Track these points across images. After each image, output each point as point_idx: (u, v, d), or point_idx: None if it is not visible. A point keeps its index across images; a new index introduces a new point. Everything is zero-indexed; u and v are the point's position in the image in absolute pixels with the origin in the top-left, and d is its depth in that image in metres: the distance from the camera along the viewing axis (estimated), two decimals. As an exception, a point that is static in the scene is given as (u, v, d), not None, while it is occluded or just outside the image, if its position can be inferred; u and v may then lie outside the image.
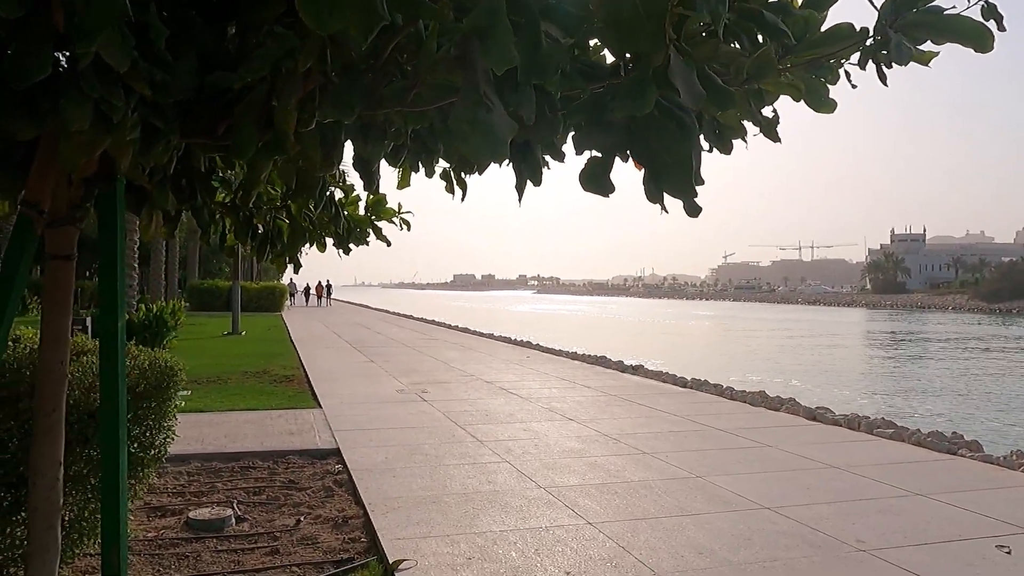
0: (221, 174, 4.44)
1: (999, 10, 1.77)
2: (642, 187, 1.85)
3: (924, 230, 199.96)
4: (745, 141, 2.74)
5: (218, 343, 24.23)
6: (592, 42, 2.42)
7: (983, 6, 1.78)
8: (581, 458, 8.39)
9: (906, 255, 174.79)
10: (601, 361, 19.77)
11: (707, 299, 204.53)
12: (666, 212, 1.91)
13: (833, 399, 20.57)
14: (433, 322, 42.77)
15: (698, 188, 1.84)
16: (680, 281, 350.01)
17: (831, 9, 2.13)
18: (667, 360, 30.42)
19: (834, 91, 2.20)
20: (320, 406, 11.77)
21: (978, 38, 1.80)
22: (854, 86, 2.15)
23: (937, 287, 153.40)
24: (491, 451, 8.69)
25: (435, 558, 5.22)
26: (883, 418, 11.88)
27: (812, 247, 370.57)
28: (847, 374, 30.46)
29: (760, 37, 2.09)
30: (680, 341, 53.32)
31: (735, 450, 8.99)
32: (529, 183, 2.09)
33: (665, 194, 1.84)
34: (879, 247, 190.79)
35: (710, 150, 2.83)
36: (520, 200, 2.04)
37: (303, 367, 17.15)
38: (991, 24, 1.79)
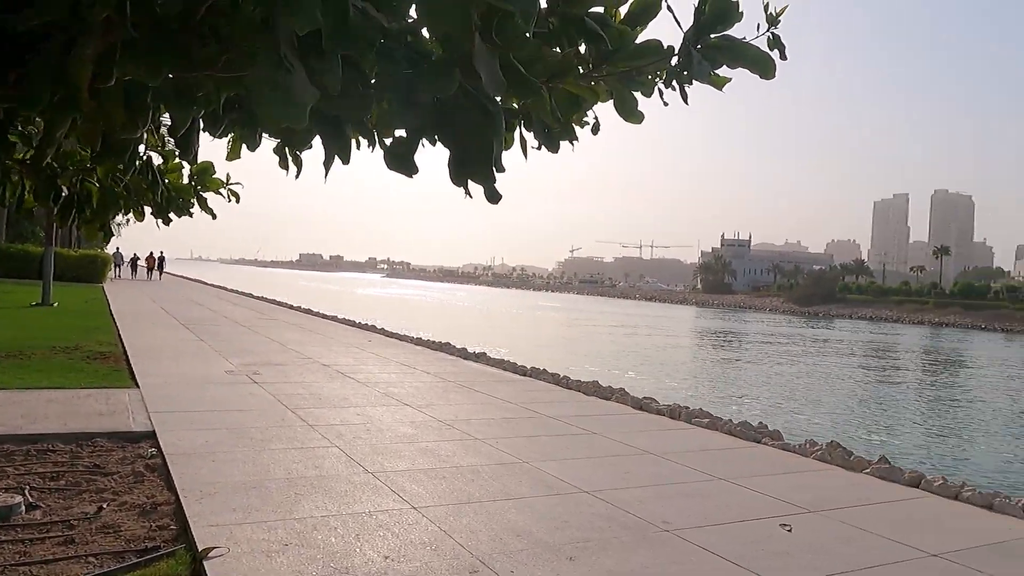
0: (22, 128, 4.02)
1: (782, 41, 1.96)
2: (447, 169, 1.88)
3: (750, 237, 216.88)
4: (572, 145, 2.85)
5: (24, 314, 21.96)
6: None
7: (769, 37, 1.96)
8: (413, 443, 8.40)
9: (733, 259, 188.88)
10: (445, 347, 19.86)
11: (553, 291, 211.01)
12: (470, 196, 1.94)
13: (661, 390, 21.91)
14: (274, 301, 41.11)
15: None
16: (528, 272, 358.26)
17: (651, 27, 2.25)
18: (510, 348, 31.09)
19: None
20: (137, 386, 10.98)
21: (763, 65, 1.98)
22: (666, 104, 2.29)
23: (758, 290, 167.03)
24: (321, 436, 8.50)
25: (249, 545, 5.04)
26: (701, 408, 12.79)
27: (652, 246, 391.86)
28: (676, 367, 32.56)
29: (583, 47, 2.17)
30: (524, 330, 54.66)
31: (564, 437, 9.35)
32: (338, 160, 2.05)
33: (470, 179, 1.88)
34: (711, 250, 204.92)
35: (539, 148, 2.91)
36: (326, 176, 2.01)
37: (122, 343, 15.92)
38: (775, 53, 1.97)
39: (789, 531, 6.04)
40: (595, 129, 2.90)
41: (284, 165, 3.40)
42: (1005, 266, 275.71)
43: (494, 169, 1.88)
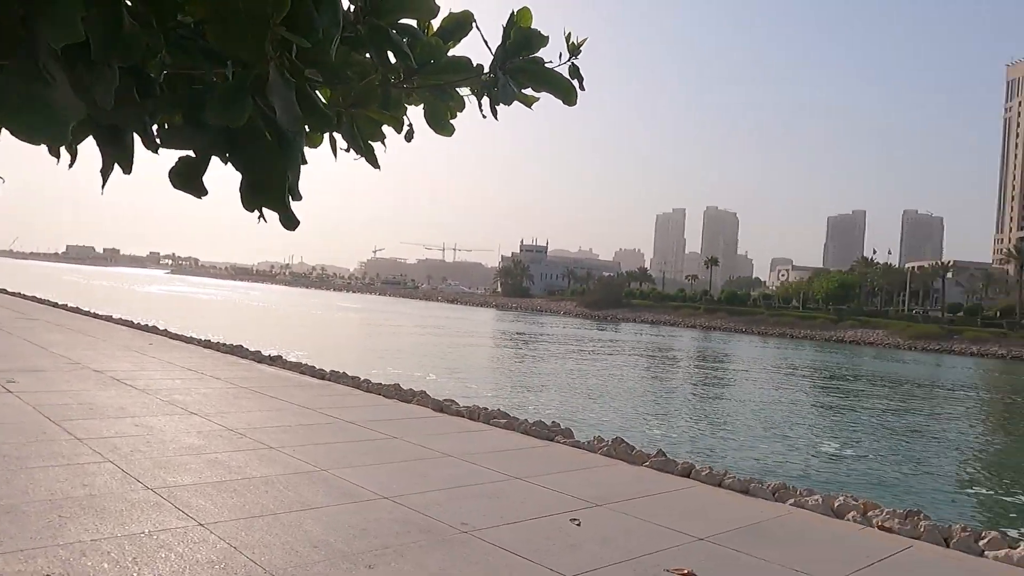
0: None
1: (581, 72, 2.10)
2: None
3: (547, 243, 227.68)
4: (384, 146, 2.83)
5: None
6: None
7: (570, 66, 2.09)
8: (200, 455, 7.86)
9: (531, 264, 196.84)
10: (236, 351, 18.78)
11: (355, 292, 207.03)
12: (264, 221, 1.87)
13: (462, 391, 22.31)
14: (35, 299, 36.51)
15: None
16: (329, 272, 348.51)
17: (466, 43, 2.30)
18: (308, 351, 30.05)
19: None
20: None
21: (566, 92, 2.11)
22: (484, 116, 2.35)
23: (554, 294, 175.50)
24: (92, 450, 7.69)
25: (1, 579, 4.45)
26: (499, 409, 13.19)
27: (455, 249, 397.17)
28: (476, 368, 33.29)
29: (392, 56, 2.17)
30: (324, 332, 53.11)
31: (363, 442, 9.21)
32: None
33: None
34: (510, 255, 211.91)
35: (347, 150, 2.87)
36: (103, 186, 1.83)
37: None
38: (576, 82, 2.11)
39: (578, 525, 6.42)
40: (409, 136, 2.91)
41: (55, 153, 3.06)
42: (762, 276, 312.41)
43: (290, 197, 1.81)
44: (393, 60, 2.27)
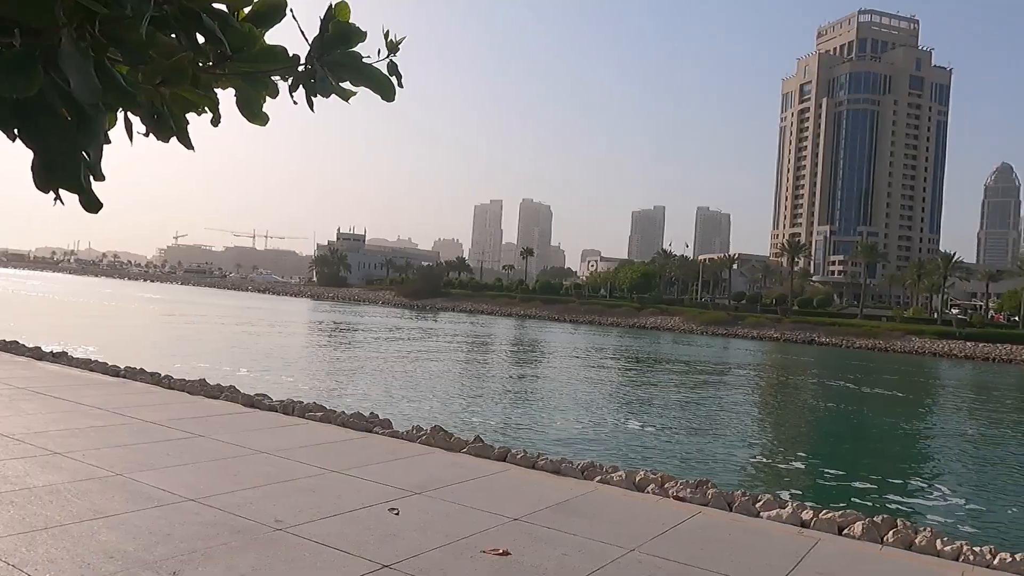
0: None
1: (399, 69, 2.13)
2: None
3: (365, 232, 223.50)
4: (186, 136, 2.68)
5: None
6: None
7: (388, 63, 2.11)
8: (-32, 466, 6.98)
9: (349, 252, 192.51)
10: (12, 347, 16.77)
11: (154, 281, 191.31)
12: (61, 203, 1.73)
13: (275, 385, 21.44)
14: None
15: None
16: (123, 259, 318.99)
17: (285, 30, 2.24)
18: (100, 346, 27.47)
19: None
20: None
21: (384, 88, 2.12)
22: (295, 102, 2.30)
23: (372, 283, 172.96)
24: None
25: None
26: (315, 402, 12.86)
27: (267, 237, 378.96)
28: (291, 361, 32.08)
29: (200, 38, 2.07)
30: (118, 325, 48.68)
31: (166, 443, 8.62)
32: None
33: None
34: (327, 243, 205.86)
35: (146, 134, 2.70)
36: None
37: None
38: (394, 79, 2.14)
39: (397, 514, 6.46)
40: (215, 122, 2.79)
41: None
42: (574, 267, 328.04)
43: (90, 177, 1.69)
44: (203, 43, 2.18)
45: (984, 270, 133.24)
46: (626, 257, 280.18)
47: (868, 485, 15.26)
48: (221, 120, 2.75)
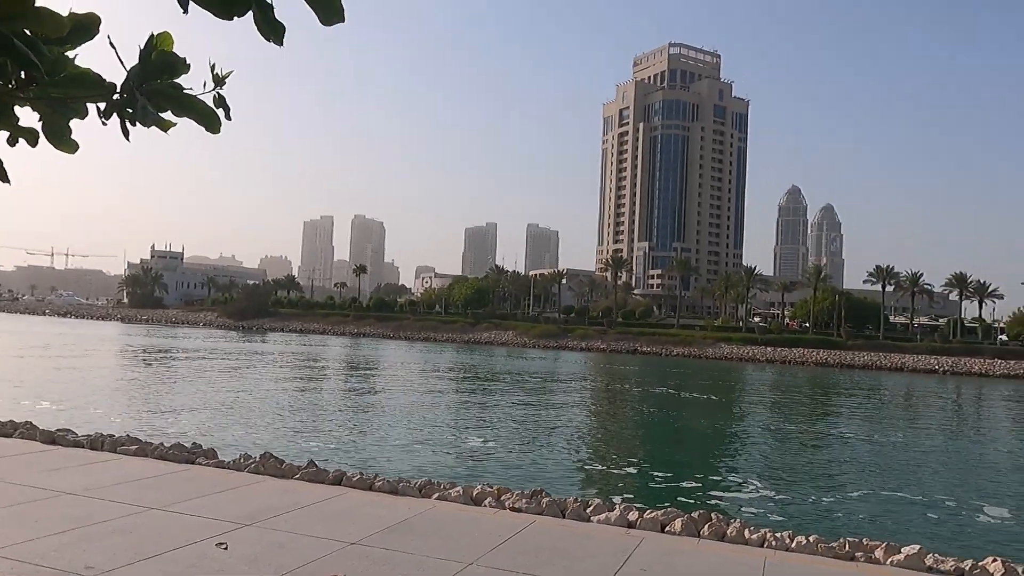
0: None
1: (227, 102, 2.10)
2: None
3: (183, 249, 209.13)
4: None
5: None
6: None
7: (215, 96, 2.09)
8: None
9: (165, 271, 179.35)
10: None
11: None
12: None
13: (81, 419, 19.54)
14: None
15: None
16: None
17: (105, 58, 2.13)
18: None
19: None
20: None
21: (209, 120, 2.09)
22: (104, 123, 2.20)
23: (192, 304, 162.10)
24: None
25: None
26: (128, 435, 11.91)
27: (67, 255, 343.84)
28: (99, 391, 29.33)
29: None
30: None
31: (-51, 491, 7.65)
32: None
33: None
34: (140, 262, 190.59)
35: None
36: None
37: None
38: (221, 112, 2.11)
39: (225, 549, 6.16)
40: (12, 142, 2.63)
41: None
42: (408, 283, 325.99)
43: None
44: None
45: (780, 282, 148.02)
46: (460, 273, 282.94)
47: (692, 484, 16.45)
48: (38, 141, 2.58)
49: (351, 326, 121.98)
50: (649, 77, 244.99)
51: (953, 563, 7.59)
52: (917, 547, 7.88)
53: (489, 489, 9.78)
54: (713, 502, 14.65)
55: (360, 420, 24.70)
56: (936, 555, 7.78)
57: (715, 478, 17.55)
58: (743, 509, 14.24)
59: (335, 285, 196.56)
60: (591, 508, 9.29)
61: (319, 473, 9.73)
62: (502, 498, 9.41)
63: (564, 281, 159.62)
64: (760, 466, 19.63)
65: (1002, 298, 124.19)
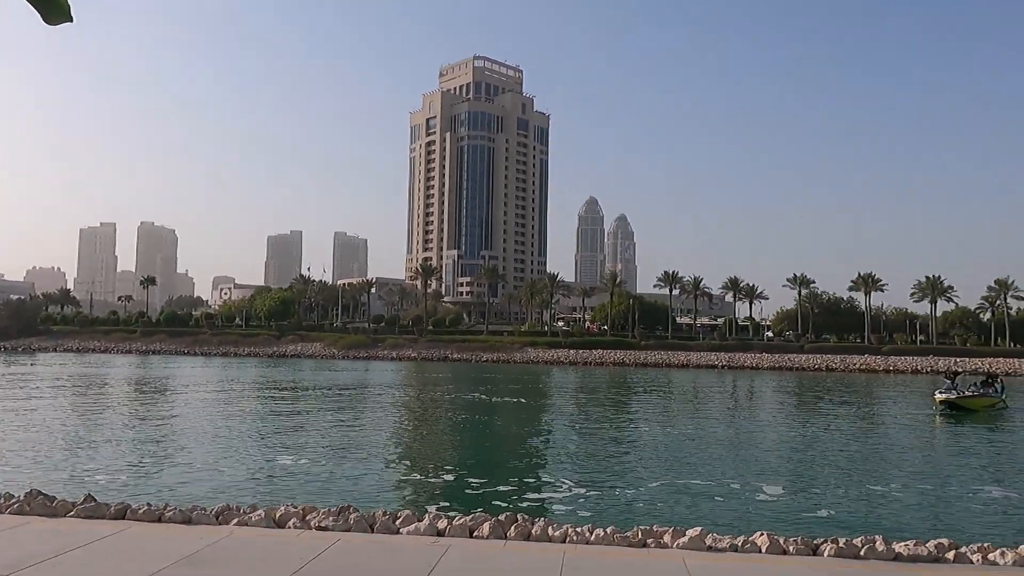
0: None
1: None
2: None
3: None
4: None
5: None
6: None
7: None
8: None
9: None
10: None
11: None
12: None
13: None
14: None
15: None
16: None
17: None
18: None
19: None
20: None
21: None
22: None
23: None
24: None
25: None
26: None
27: None
28: None
29: None
30: None
31: None
32: None
33: None
34: None
35: None
36: None
37: None
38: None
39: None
40: None
41: None
42: (205, 295, 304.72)
43: None
44: None
45: (580, 287, 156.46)
46: (263, 283, 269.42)
47: (506, 487, 16.83)
48: None
49: (139, 343, 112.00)
50: (455, 88, 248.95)
51: (728, 540, 8.40)
52: (699, 529, 8.64)
53: (293, 509, 9.38)
54: (526, 504, 15.11)
55: (149, 444, 22.66)
56: (715, 535, 8.58)
57: (529, 479, 18.11)
58: (554, 508, 14.82)
59: (119, 299, 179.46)
60: (400, 520, 9.21)
61: (98, 508, 8.81)
62: (307, 518, 9.07)
63: (374, 290, 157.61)
64: (569, 464, 20.54)
65: (767, 299, 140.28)
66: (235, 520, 8.76)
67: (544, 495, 16.15)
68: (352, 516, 9.13)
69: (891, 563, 7.79)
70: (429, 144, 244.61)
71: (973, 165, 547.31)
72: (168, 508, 8.97)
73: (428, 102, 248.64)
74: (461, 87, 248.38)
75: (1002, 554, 8.16)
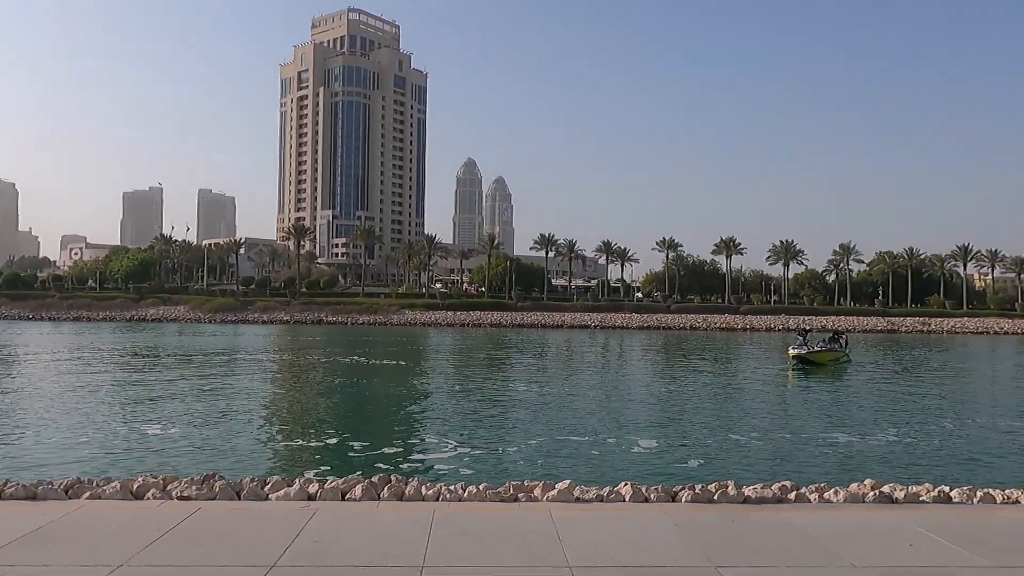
0: None
1: None
2: None
3: None
4: None
5: None
6: None
7: None
8: None
9: None
10: None
11: None
12: None
13: None
14: None
15: None
16: None
17: None
18: None
19: None
20: None
21: None
22: None
23: None
24: None
25: None
26: None
27: None
28: None
29: None
30: None
31: None
32: None
33: None
34: None
35: None
36: None
37: None
38: None
39: None
40: None
41: None
42: (52, 256, 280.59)
43: None
44: None
45: (458, 249, 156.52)
46: (119, 243, 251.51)
47: (392, 449, 16.73)
48: None
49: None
50: (328, 41, 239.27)
51: (595, 491, 8.77)
52: (568, 482, 8.97)
53: (153, 480, 8.94)
54: (407, 465, 15.11)
55: (-11, 418, 20.81)
56: (583, 487, 8.92)
57: (412, 441, 18.11)
58: (436, 468, 14.90)
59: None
60: (269, 486, 8.98)
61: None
62: (168, 488, 8.67)
63: (243, 251, 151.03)
64: (450, 425, 20.64)
65: (638, 262, 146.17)
66: (87, 494, 8.25)
67: (427, 456, 16.23)
68: (217, 484, 8.80)
69: (741, 505, 8.39)
70: (301, 99, 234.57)
71: (822, 136, 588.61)
72: (8, 484, 8.31)
73: (300, 55, 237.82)
74: (335, 40, 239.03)
75: (835, 492, 8.99)
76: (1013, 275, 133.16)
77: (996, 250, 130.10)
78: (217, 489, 8.63)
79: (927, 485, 9.58)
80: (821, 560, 6.33)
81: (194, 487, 8.68)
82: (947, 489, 9.29)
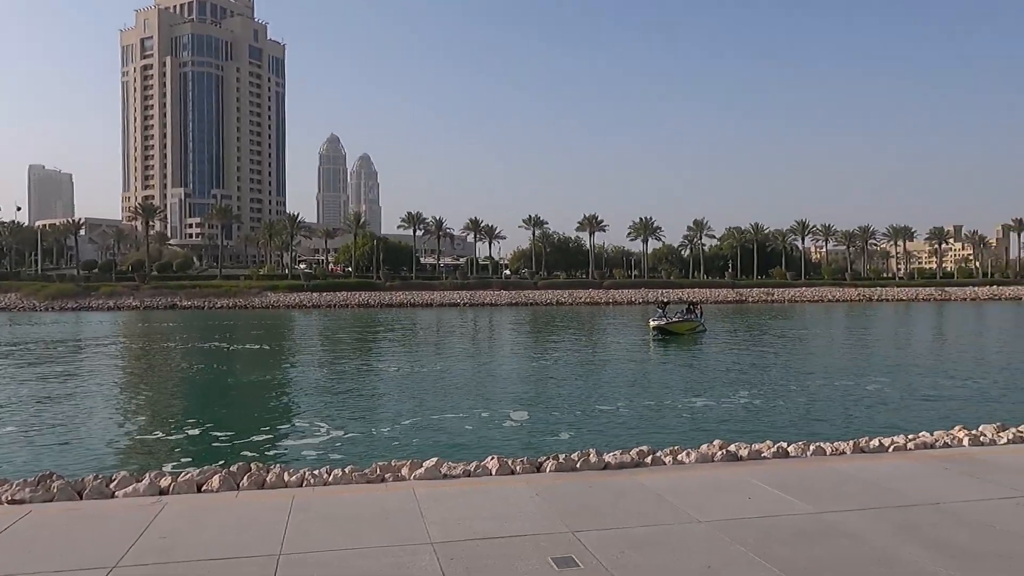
0: None
1: None
2: None
3: None
4: None
5: None
6: None
7: None
8: None
9: None
10: None
11: None
12: None
13: None
14: None
15: None
16: None
17: None
18: None
19: None
20: None
21: None
22: None
23: None
24: None
25: None
26: None
27: None
28: None
29: None
30: None
31: None
32: None
33: None
34: None
35: None
36: None
37: None
38: None
39: None
40: None
41: None
42: None
43: None
44: None
45: (323, 228, 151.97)
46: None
47: (259, 437, 16.03)
48: None
49: None
50: (175, 7, 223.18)
51: (462, 467, 8.84)
52: (435, 459, 8.98)
53: (-24, 485, 8.13)
54: (274, 452, 14.58)
55: None
56: (450, 463, 8.97)
57: (281, 427, 17.47)
58: (305, 454, 14.44)
59: None
60: (115, 483, 8.41)
61: None
62: (-3, 492, 7.92)
63: (83, 232, 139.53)
64: (319, 409, 20.02)
65: (505, 239, 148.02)
66: None
67: (296, 442, 15.71)
68: (55, 484, 8.14)
69: (602, 471, 8.74)
70: (146, 68, 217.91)
71: (678, 120, 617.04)
72: None
73: (143, 19, 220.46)
74: (182, 5, 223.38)
75: (687, 454, 9.55)
76: (843, 247, 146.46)
77: (829, 225, 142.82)
78: (55, 490, 7.98)
79: (768, 442, 10.36)
80: (669, 518, 6.73)
81: (27, 489, 7.98)
82: (785, 445, 10.09)
